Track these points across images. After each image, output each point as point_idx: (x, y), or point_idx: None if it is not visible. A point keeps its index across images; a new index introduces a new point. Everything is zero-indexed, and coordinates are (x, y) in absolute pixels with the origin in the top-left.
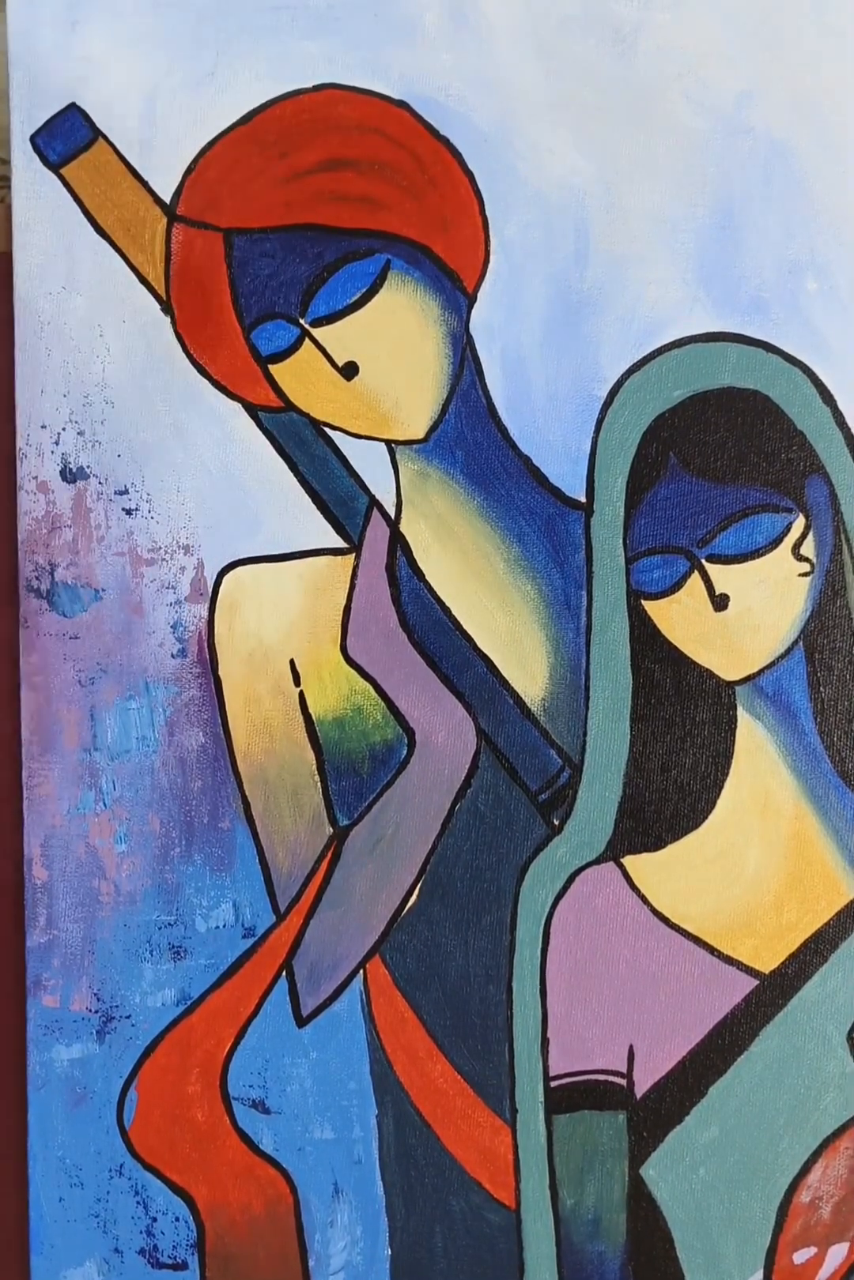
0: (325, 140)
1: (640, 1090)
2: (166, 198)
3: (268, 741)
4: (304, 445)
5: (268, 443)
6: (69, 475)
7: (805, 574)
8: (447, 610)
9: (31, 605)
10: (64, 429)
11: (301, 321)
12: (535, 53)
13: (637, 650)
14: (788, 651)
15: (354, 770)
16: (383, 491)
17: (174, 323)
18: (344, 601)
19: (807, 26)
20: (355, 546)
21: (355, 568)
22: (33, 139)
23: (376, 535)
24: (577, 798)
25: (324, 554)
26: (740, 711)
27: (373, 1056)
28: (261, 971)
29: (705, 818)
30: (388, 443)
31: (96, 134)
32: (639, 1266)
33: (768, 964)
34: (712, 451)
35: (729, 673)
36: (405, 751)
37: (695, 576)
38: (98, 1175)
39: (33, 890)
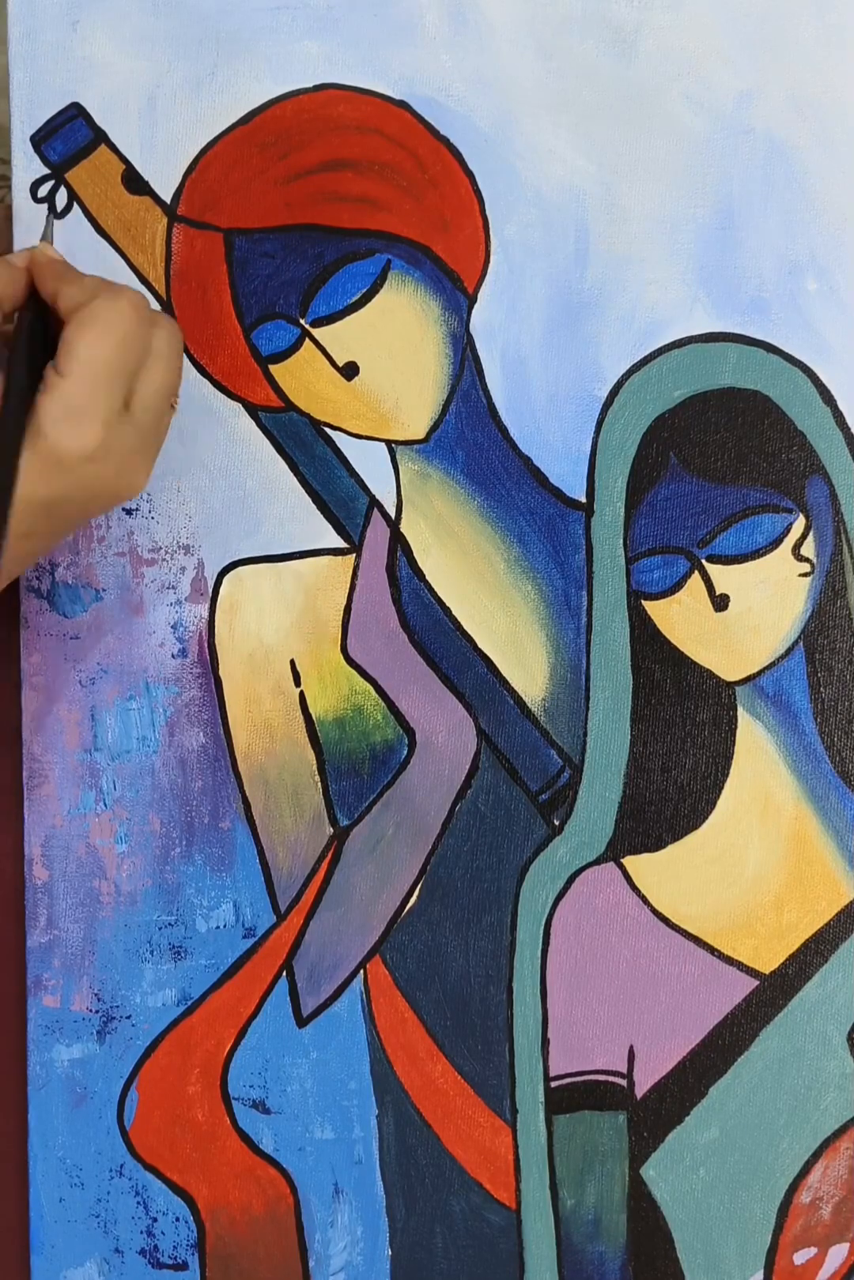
0: (325, 140)
1: (641, 1090)
2: (167, 198)
3: (268, 742)
4: (304, 445)
5: (268, 443)
6: None
7: (806, 574)
8: (447, 610)
9: (32, 605)
10: None
11: (302, 322)
12: (535, 53)
13: (637, 650)
14: (788, 652)
15: (354, 770)
16: (383, 492)
17: None
18: (344, 602)
19: (807, 27)
20: (356, 547)
21: (356, 568)
22: (33, 139)
23: (377, 535)
24: (577, 798)
25: (324, 554)
26: (741, 712)
27: (373, 1056)
28: (262, 972)
29: (706, 818)
30: (388, 443)
31: (97, 134)
32: (639, 1267)
33: (768, 964)
34: (712, 452)
35: (729, 673)
36: (406, 752)
37: (696, 577)
38: (98, 1175)
39: (33, 890)
